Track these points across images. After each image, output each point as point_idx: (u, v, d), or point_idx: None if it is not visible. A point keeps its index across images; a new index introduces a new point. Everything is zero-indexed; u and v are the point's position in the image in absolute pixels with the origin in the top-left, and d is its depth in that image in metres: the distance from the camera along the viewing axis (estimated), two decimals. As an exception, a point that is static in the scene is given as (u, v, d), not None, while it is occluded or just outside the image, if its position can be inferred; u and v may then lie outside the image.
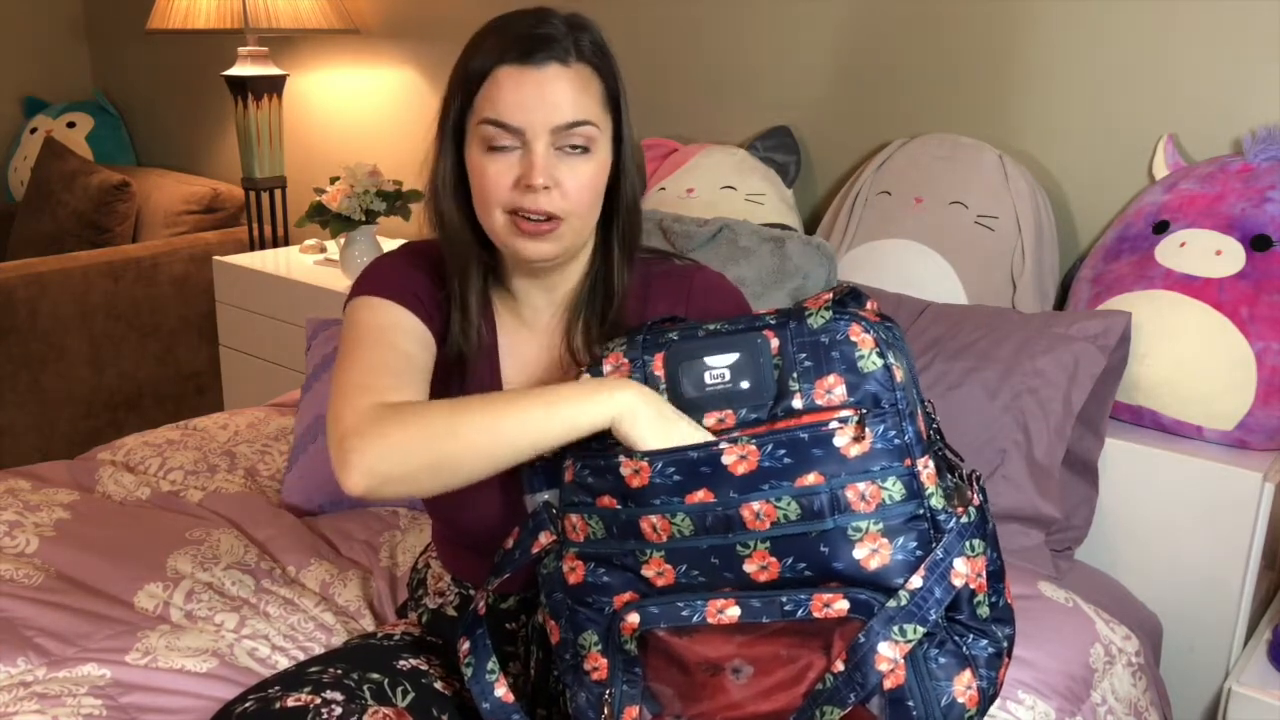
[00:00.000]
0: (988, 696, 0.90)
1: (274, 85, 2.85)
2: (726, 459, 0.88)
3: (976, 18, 1.96)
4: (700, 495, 0.89)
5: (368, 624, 1.47)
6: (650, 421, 0.91)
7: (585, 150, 1.03)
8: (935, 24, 2.01)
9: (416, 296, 1.11)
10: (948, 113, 2.02)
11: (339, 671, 1.07)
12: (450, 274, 1.11)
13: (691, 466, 0.89)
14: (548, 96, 1.01)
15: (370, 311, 1.09)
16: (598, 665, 0.94)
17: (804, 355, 0.90)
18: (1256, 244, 1.61)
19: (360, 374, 1.02)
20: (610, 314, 1.11)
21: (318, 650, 1.38)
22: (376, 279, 1.13)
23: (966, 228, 1.85)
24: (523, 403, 0.95)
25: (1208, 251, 1.63)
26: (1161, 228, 1.70)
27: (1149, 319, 1.63)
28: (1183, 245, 1.66)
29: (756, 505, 0.87)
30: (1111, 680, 1.44)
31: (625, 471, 0.91)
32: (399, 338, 1.07)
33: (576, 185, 1.03)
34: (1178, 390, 1.63)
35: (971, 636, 0.89)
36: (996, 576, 0.91)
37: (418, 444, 0.95)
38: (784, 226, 2.01)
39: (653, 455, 0.90)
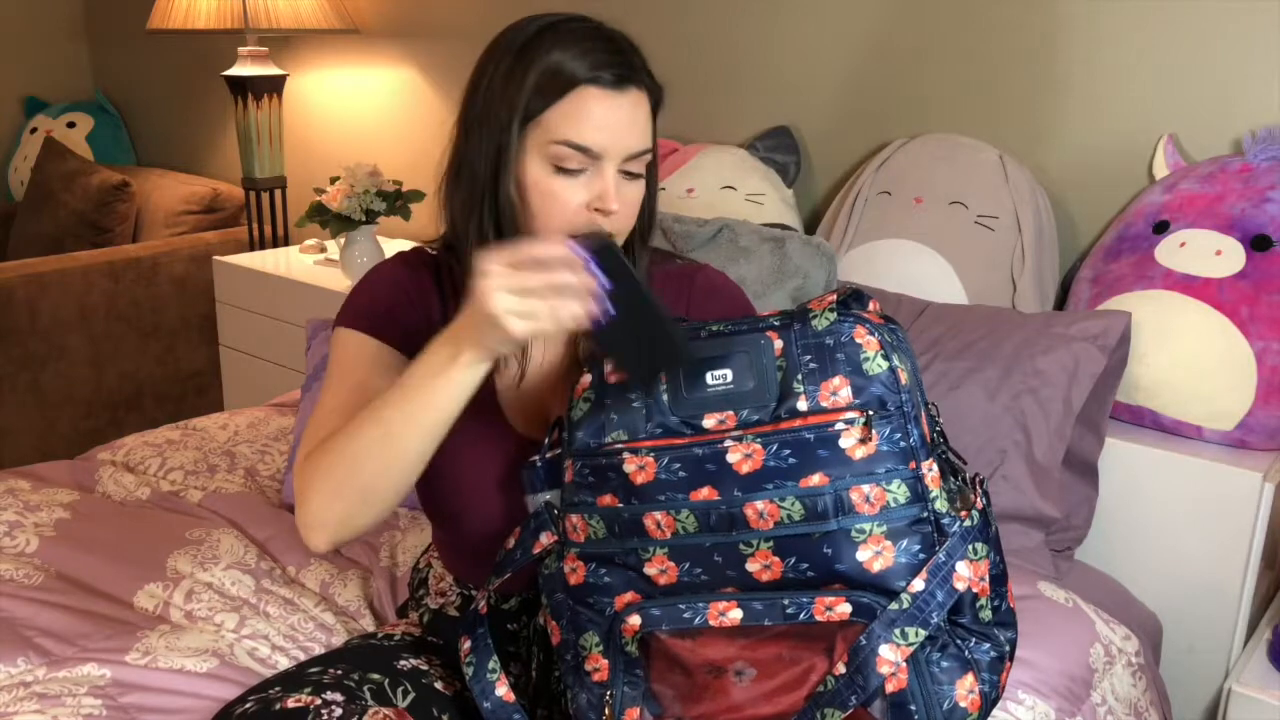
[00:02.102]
0: (990, 700, 0.90)
1: (274, 85, 2.85)
2: (731, 457, 0.88)
3: (976, 18, 1.96)
4: (705, 493, 0.89)
5: (368, 624, 1.47)
6: (479, 337, 0.90)
7: (639, 175, 1.04)
8: (935, 24, 2.01)
9: (395, 319, 1.08)
10: (948, 113, 2.02)
11: (339, 672, 1.07)
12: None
13: (697, 463, 0.89)
14: (630, 124, 1.00)
15: (341, 348, 1.08)
16: (599, 666, 0.94)
17: (809, 357, 0.90)
18: (1256, 244, 1.61)
19: (314, 424, 1.03)
20: None
21: (318, 650, 1.38)
22: (353, 307, 1.11)
23: (966, 228, 1.85)
24: (394, 401, 0.94)
25: (1208, 251, 1.63)
26: (1161, 228, 1.70)
27: (1149, 319, 1.63)
28: (1183, 245, 1.66)
29: (760, 504, 0.87)
30: (1111, 680, 1.44)
31: (629, 468, 0.91)
32: (365, 374, 1.06)
33: (628, 206, 1.03)
34: (1178, 390, 1.63)
35: (974, 640, 0.89)
36: (999, 580, 0.91)
37: (336, 484, 0.96)
38: (784, 226, 2.01)
39: (658, 451, 0.90)
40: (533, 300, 0.85)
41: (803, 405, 0.89)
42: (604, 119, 0.98)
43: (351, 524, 0.98)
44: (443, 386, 0.92)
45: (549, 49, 0.99)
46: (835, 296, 0.94)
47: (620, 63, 0.99)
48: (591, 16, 1.05)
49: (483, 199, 1.03)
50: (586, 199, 1.00)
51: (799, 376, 0.90)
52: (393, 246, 2.71)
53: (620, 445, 0.92)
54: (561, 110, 0.98)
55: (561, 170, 0.99)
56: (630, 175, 1.02)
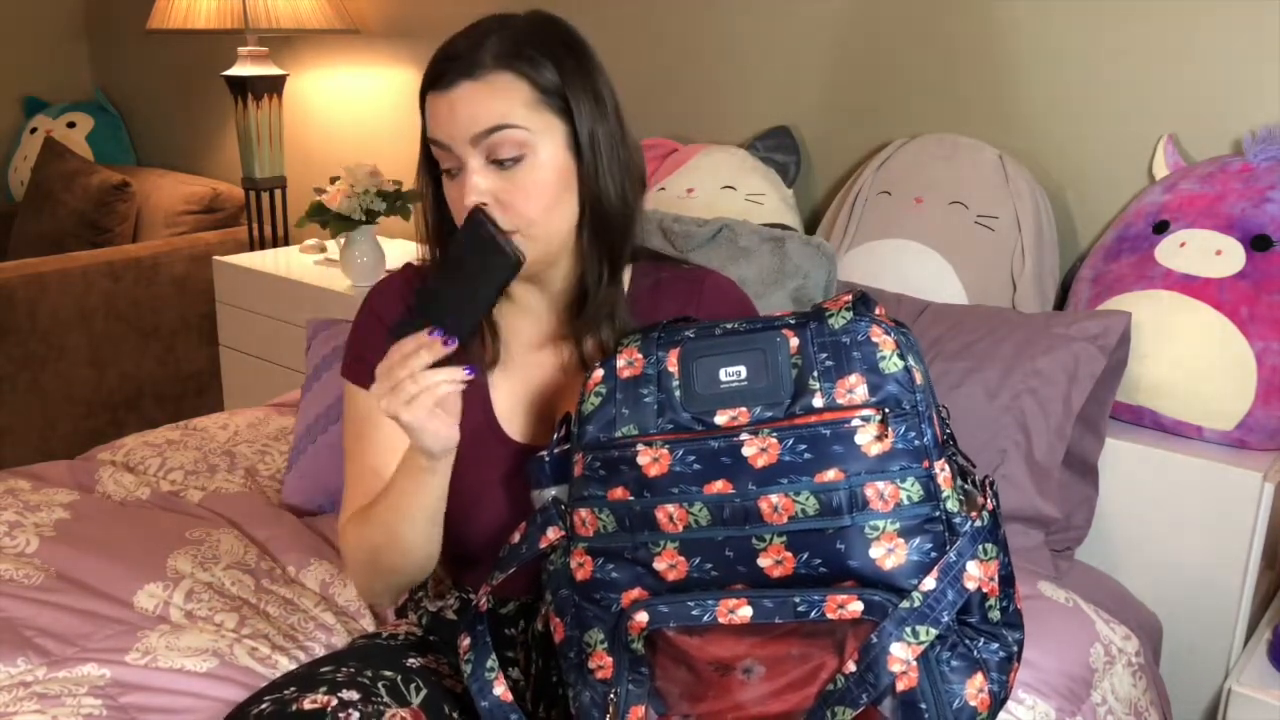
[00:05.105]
0: (998, 700, 0.90)
1: (274, 85, 2.85)
2: (747, 450, 0.88)
3: (977, 18, 1.96)
4: (719, 486, 0.89)
5: (368, 624, 1.47)
6: (412, 442, 1.01)
7: (519, 158, 1.03)
8: (935, 24, 2.01)
9: None
10: (948, 113, 2.02)
11: (352, 670, 1.06)
12: None
13: (712, 456, 0.89)
14: (458, 114, 1.04)
15: (350, 405, 1.17)
16: (603, 664, 0.94)
17: (825, 355, 0.91)
18: (1256, 244, 1.61)
19: (347, 487, 1.16)
20: (621, 315, 1.10)
21: (318, 650, 1.38)
22: (350, 354, 1.18)
23: (966, 228, 1.85)
24: (390, 505, 1.06)
25: (1208, 251, 1.63)
26: (1161, 228, 1.70)
27: (1149, 319, 1.63)
28: (1183, 245, 1.66)
29: (775, 498, 0.87)
30: (1111, 680, 1.44)
31: (643, 460, 0.91)
32: (375, 432, 1.14)
33: (522, 196, 1.04)
34: (1178, 390, 1.63)
35: (982, 640, 0.89)
36: (1007, 581, 0.91)
37: (367, 574, 1.12)
38: (784, 226, 2.01)
39: (673, 444, 0.90)
40: (407, 389, 0.95)
41: (818, 402, 0.89)
42: (439, 116, 1.06)
43: (397, 590, 1.14)
44: (421, 489, 1.04)
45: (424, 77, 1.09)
46: (850, 297, 0.94)
47: (445, 66, 1.06)
48: (505, 13, 1.08)
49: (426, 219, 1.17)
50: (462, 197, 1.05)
51: (815, 373, 0.90)
52: (393, 246, 2.71)
53: (633, 438, 0.92)
54: (425, 120, 1.09)
55: (447, 173, 1.08)
56: (509, 164, 1.03)
